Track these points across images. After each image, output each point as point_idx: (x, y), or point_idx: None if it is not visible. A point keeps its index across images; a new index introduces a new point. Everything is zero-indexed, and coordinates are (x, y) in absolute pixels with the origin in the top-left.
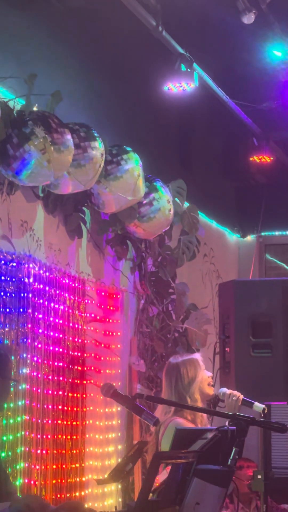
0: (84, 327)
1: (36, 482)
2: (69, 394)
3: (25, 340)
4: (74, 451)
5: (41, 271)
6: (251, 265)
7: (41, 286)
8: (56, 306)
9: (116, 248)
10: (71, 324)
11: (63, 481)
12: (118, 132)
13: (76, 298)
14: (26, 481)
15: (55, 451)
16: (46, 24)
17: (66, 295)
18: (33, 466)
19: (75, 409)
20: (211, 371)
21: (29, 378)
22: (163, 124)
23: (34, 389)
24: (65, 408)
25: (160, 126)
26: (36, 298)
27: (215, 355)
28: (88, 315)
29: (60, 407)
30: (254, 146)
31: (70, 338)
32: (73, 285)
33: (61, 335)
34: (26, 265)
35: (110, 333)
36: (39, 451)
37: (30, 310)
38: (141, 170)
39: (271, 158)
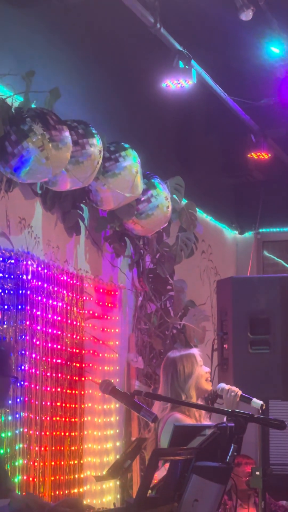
0: (82, 324)
1: (35, 479)
2: (68, 391)
3: (23, 337)
4: (73, 448)
5: (39, 268)
6: (249, 262)
7: (39, 283)
8: (54, 303)
9: (114, 245)
10: (69, 321)
11: (62, 477)
12: (116, 129)
13: (74, 295)
14: (25, 477)
15: (53, 448)
16: (44, 21)
17: (64, 292)
18: (31, 463)
19: (73, 405)
20: (209, 368)
21: (28, 375)
22: (161, 121)
23: (33, 386)
24: (64, 404)
25: (158, 123)
26: (34, 295)
27: (213, 352)
28: (86, 312)
29: (58, 403)
30: (252, 143)
31: (69, 335)
32: (71, 282)
33: (59, 332)
34: (24, 262)
35: (108, 330)
36: (37, 448)
37: (28, 307)
38: (139, 167)
39: (269, 155)
